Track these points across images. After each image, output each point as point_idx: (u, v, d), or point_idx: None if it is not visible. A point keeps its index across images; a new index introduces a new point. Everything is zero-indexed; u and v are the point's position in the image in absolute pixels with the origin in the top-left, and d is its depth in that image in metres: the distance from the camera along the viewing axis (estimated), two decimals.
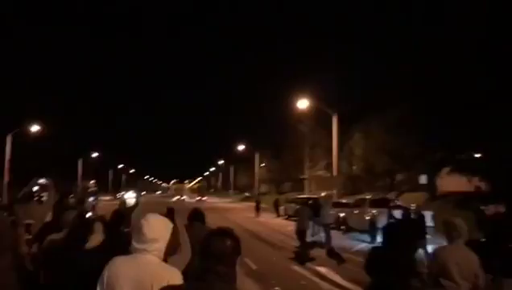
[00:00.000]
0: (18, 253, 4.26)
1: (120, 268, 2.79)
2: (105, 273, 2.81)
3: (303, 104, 36.49)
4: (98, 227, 4.63)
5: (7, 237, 3.40)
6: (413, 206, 16.15)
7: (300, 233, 14.88)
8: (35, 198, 12.16)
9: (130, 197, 58.67)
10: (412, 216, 13.23)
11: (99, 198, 65.99)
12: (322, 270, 11.88)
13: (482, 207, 13.54)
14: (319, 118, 44.74)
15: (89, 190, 59.52)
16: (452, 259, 4.44)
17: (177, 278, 2.77)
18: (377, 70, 34.65)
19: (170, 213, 5.20)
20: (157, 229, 2.86)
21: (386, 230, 4.83)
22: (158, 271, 2.75)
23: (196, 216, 5.83)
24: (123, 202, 12.02)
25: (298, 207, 19.90)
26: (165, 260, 2.88)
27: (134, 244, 2.82)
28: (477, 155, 25.98)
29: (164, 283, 2.63)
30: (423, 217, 13.66)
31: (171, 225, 2.96)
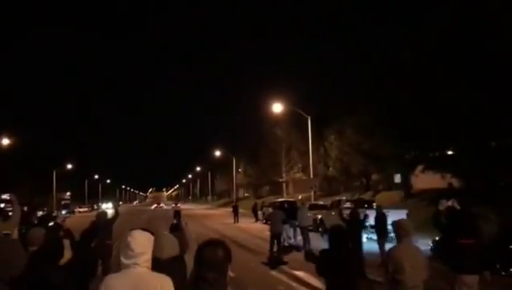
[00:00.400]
0: None
1: (118, 284, 3.06)
2: None
3: (277, 108, 36.76)
4: (65, 244, 4.56)
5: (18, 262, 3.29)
6: (375, 205, 16.51)
7: (274, 237, 14.99)
8: (2, 214, 11.82)
9: (108, 208, 57.86)
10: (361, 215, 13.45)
11: (75, 210, 64.95)
12: (300, 274, 11.91)
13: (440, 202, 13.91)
14: (294, 120, 45.05)
15: (62, 203, 58.26)
16: (405, 257, 4.92)
17: (168, 283, 3.14)
18: (350, 71, 35.06)
19: (177, 215, 6.30)
20: (142, 243, 3.16)
21: (331, 232, 5.21)
22: (151, 280, 3.09)
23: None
24: (104, 213, 11.78)
25: (270, 211, 20.05)
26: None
27: (124, 260, 3.08)
28: (450, 153, 26.49)
29: (159, 287, 3.05)
30: (384, 216, 14.02)
31: (152, 238, 3.28)
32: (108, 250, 10.34)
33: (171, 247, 4.15)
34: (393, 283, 4.97)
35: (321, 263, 5.13)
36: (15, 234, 5.43)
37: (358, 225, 12.16)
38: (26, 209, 16.16)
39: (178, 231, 4.95)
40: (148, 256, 3.16)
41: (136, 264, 3.08)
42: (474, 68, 20.06)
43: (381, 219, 14.03)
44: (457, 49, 20.64)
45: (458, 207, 7.58)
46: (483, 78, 19.76)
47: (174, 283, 3.26)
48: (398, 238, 5.18)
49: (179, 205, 75.12)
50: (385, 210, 19.38)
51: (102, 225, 10.54)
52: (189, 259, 3.83)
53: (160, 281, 3.13)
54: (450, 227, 6.39)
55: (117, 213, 11.42)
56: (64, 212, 41.72)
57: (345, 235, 5.29)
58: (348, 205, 21.63)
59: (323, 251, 5.30)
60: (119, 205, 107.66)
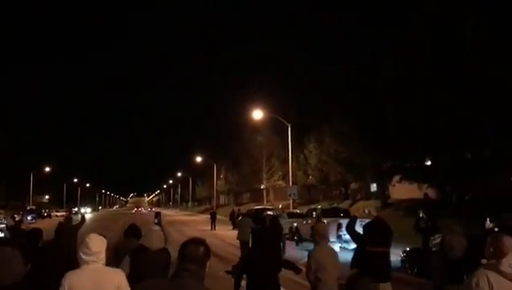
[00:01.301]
0: None
1: (79, 278, 3.68)
2: (66, 285, 3.63)
3: (258, 114, 36.70)
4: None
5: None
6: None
7: (243, 244, 14.84)
8: None
9: (87, 212, 56.90)
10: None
11: (52, 214, 63.71)
12: None
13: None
14: (275, 128, 45.09)
15: (28, 208, 56.97)
16: (325, 257, 5.69)
17: (121, 276, 3.87)
18: (329, 80, 35.17)
19: (157, 215, 6.29)
20: (98, 244, 3.81)
21: (253, 235, 6.44)
22: (108, 274, 3.80)
23: (132, 231, 6.38)
24: (69, 219, 11.45)
25: (240, 219, 20.07)
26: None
27: (83, 257, 3.72)
28: (427, 163, 26.69)
29: (115, 282, 3.74)
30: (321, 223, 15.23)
31: (105, 241, 3.96)
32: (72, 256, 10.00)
33: (159, 241, 5.16)
34: (316, 280, 5.64)
35: (244, 262, 5.98)
36: None
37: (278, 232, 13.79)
38: None
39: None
40: (103, 255, 3.80)
41: (94, 261, 3.72)
42: (450, 80, 20.28)
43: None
44: (434, 59, 20.85)
45: (374, 214, 7.53)
46: (459, 90, 19.98)
47: (165, 266, 4.81)
48: (316, 241, 5.92)
49: (154, 208, 77.96)
50: (359, 220, 19.58)
51: (66, 232, 10.23)
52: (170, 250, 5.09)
53: (116, 274, 3.86)
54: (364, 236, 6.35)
55: (82, 220, 11.15)
56: (29, 217, 40.78)
57: (263, 238, 6.40)
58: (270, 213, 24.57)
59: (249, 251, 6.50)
60: (98, 210, 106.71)
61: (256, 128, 50.64)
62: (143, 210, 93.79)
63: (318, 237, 5.92)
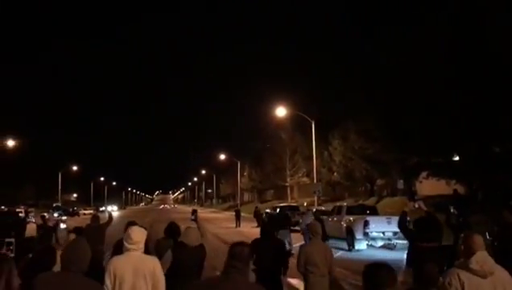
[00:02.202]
0: (9, 286, 3.97)
1: (122, 263, 4.47)
2: (111, 268, 4.41)
3: (281, 112, 36.55)
4: None
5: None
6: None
7: None
8: None
9: (113, 210, 58.01)
10: None
11: (80, 212, 64.90)
12: (293, 281, 11.63)
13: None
14: (298, 125, 44.85)
15: (54, 205, 58.28)
16: (315, 252, 6.20)
17: (157, 263, 4.64)
18: (353, 76, 34.70)
19: (194, 213, 7.59)
20: (138, 235, 4.62)
21: (263, 226, 7.07)
22: (146, 260, 4.56)
23: (172, 229, 6.98)
24: (96, 217, 11.55)
25: (264, 217, 19.99)
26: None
27: (126, 245, 4.52)
28: (456, 158, 26.14)
29: (151, 267, 4.49)
30: (321, 221, 15.41)
31: (145, 232, 4.81)
32: (97, 255, 10.06)
33: (197, 238, 5.81)
34: (306, 272, 6.20)
35: (252, 249, 6.15)
36: None
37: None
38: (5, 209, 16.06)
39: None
40: (142, 244, 4.59)
41: (134, 249, 4.50)
42: (476, 72, 19.75)
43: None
44: (458, 53, 20.34)
45: (425, 209, 7.28)
46: (485, 83, 19.44)
47: (202, 260, 5.66)
48: (311, 237, 6.60)
49: (176, 205, 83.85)
50: (386, 217, 19.25)
51: (93, 230, 10.32)
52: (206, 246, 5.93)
53: (152, 261, 4.62)
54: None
55: (110, 219, 11.21)
56: (56, 215, 41.67)
57: (270, 231, 7.34)
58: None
59: (254, 240, 6.85)
60: (125, 208, 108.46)
61: (279, 125, 50.48)
62: (168, 207, 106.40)
63: (312, 233, 6.54)
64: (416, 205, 7.38)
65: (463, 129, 20.90)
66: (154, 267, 4.56)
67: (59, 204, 61.93)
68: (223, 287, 3.26)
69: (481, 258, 3.63)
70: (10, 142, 45.65)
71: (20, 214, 25.26)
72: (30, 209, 34.97)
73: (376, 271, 3.06)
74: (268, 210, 28.22)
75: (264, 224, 8.97)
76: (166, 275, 4.84)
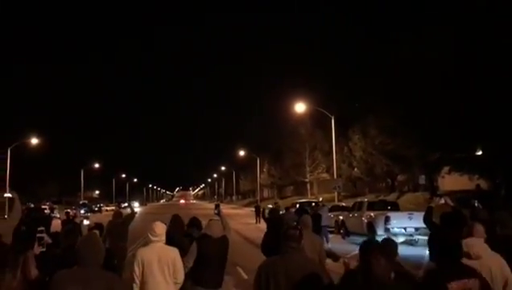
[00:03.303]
0: (27, 276, 4.14)
1: (148, 252, 5.30)
2: (139, 258, 5.25)
3: (300, 107, 36.39)
4: None
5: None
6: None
7: None
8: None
9: (135, 207, 59.06)
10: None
11: (103, 208, 65.91)
12: None
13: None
14: (318, 120, 44.63)
15: (81, 202, 59.63)
16: (305, 244, 5.84)
17: (176, 252, 5.43)
18: (373, 71, 34.35)
19: (217, 207, 7.29)
20: (161, 228, 5.48)
21: (269, 220, 7.75)
22: (167, 250, 5.39)
23: (193, 223, 7.42)
24: (119, 213, 11.68)
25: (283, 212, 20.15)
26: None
27: (151, 237, 5.34)
28: (478, 153, 25.73)
29: (172, 256, 5.31)
30: (319, 215, 16.29)
31: (165, 227, 5.66)
32: (120, 252, 10.13)
33: (219, 229, 6.23)
34: None
35: (264, 245, 7.36)
36: (11, 228, 5.39)
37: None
38: (32, 206, 16.38)
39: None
40: (164, 237, 5.42)
41: (157, 241, 5.34)
42: (498, 66, 19.37)
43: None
44: (480, 46, 19.97)
45: (452, 204, 7.17)
46: (508, 76, 19.06)
47: (225, 251, 6.18)
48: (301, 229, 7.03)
49: (193, 201, 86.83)
50: (408, 213, 19.09)
51: (116, 226, 10.40)
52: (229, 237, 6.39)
53: (173, 252, 5.41)
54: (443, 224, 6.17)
55: (132, 214, 11.34)
56: (82, 211, 42.49)
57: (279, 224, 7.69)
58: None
59: (265, 234, 7.77)
60: (146, 204, 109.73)
61: (299, 121, 50.35)
62: (184, 201, 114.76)
63: (302, 226, 6.49)
64: (442, 201, 7.27)
65: (486, 124, 20.54)
66: (174, 256, 5.36)
67: (86, 201, 63.24)
68: (286, 264, 3.80)
69: (471, 242, 4.19)
70: (34, 141, 46.51)
71: (45, 211, 25.81)
72: (54, 206, 35.73)
73: (366, 245, 3.40)
74: (270, 205, 28.10)
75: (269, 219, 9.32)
76: (193, 265, 5.75)
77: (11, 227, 5.64)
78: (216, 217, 6.75)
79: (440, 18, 23.61)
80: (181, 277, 5.42)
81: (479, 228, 4.47)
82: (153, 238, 5.34)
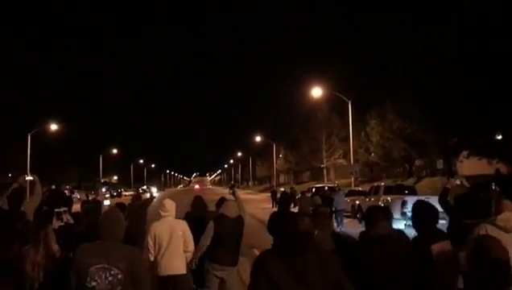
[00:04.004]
0: (49, 251, 4.27)
1: (160, 226, 5.92)
2: (152, 231, 5.90)
3: (317, 92, 36.06)
4: None
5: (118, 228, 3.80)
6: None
7: None
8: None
9: (153, 192, 60.02)
10: None
11: (122, 193, 66.89)
12: None
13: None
14: (334, 105, 44.37)
15: (102, 180, 60.97)
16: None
17: (185, 225, 6.05)
18: (390, 54, 33.88)
19: (232, 187, 7.77)
20: (171, 204, 6.12)
21: (280, 199, 9.89)
22: (178, 224, 6.03)
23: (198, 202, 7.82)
24: (138, 196, 11.88)
25: (299, 196, 20.45)
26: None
27: (162, 213, 5.99)
28: (498, 137, 25.36)
29: (182, 229, 5.94)
30: (331, 199, 17.59)
31: (175, 203, 6.20)
32: (139, 233, 10.28)
33: (235, 210, 6.45)
34: None
35: (271, 223, 6.80)
36: (31, 213, 5.53)
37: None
38: (53, 187, 16.67)
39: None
40: (174, 212, 6.07)
41: (167, 216, 5.99)
42: None
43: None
44: (499, 29, 19.53)
45: (468, 185, 7.15)
46: None
47: (241, 230, 6.41)
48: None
49: (209, 186, 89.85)
50: (425, 197, 19.01)
51: (135, 209, 10.59)
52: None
53: (182, 224, 6.06)
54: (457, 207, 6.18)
55: (151, 197, 11.53)
56: (103, 189, 43.22)
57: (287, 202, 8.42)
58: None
59: (273, 213, 6.87)
60: (164, 190, 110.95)
61: (315, 106, 50.06)
62: (198, 187, 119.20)
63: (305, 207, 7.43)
64: (458, 182, 7.25)
65: (506, 108, 20.20)
66: (184, 228, 6.00)
67: (107, 180, 64.60)
68: (319, 239, 3.88)
69: (506, 216, 4.40)
70: (54, 127, 47.15)
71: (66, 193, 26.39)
72: (74, 190, 36.40)
73: (370, 210, 3.96)
74: (282, 189, 28.40)
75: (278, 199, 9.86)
76: (210, 244, 6.09)
77: (33, 208, 5.79)
78: (232, 198, 6.97)
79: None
80: (192, 246, 5.99)
81: (507, 203, 4.73)
82: (164, 214, 5.97)
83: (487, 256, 2.79)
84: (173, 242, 5.83)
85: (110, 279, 3.50)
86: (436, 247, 4.15)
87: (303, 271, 3.12)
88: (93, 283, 3.49)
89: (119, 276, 3.51)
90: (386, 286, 3.58)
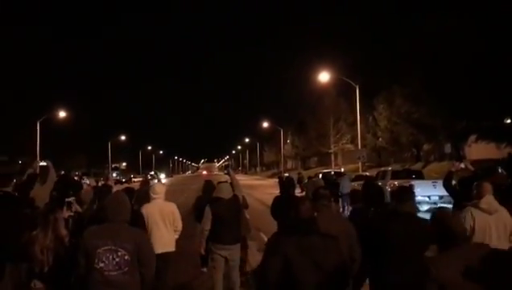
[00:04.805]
0: (58, 235, 4.37)
1: (151, 208, 6.28)
2: (144, 212, 6.14)
3: (325, 77, 35.82)
4: None
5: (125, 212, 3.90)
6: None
7: None
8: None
9: (161, 178, 60.66)
10: None
11: (133, 179, 67.34)
12: None
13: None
14: (342, 90, 44.12)
15: (113, 165, 62.01)
16: None
17: (175, 207, 6.54)
18: (398, 38, 33.49)
19: (227, 168, 8.80)
20: (161, 187, 6.74)
21: (284, 183, 8.13)
22: (168, 205, 6.48)
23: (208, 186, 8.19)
24: (146, 182, 12.00)
25: (306, 181, 20.48)
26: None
27: (152, 195, 6.41)
28: (507, 121, 25.16)
29: (171, 209, 6.41)
30: (337, 184, 17.84)
31: (165, 186, 7.00)
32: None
33: (229, 191, 6.63)
34: None
35: (274, 207, 7.38)
36: (46, 199, 5.61)
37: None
38: (63, 173, 16.81)
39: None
40: (163, 195, 6.50)
41: (158, 198, 6.38)
42: None
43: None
44: (508, 12, 19.25)
45: (472, 169, 7.15)
46: None
47: (238, 209, 6.62)
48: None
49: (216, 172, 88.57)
50: (432, 181, 18.98)
51: (143, 194, 10.72)
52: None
53: (171, 206, 6.52)
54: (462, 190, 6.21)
55: (159, 182, 11.66)
56: (114, 174, 43.70)
57: (291, 186, 8.12)
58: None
59: (275, 197, 7.64)
60: (172, 176, 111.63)
61: (323, 91, 49.79)
62: (206, 173, 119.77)
63: (306, 187, 7.87)
64: (463, 165, 7.24)
65: None
66: (173, 209, 6.46)
67: (118, 165, 65.44)
68: (320, 220, 3.85)
69: (488, 200, 4.70)
70: (62, 114, 47.40)
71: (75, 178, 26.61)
72: (83, 176, 36.68)
73: (401, 190, 4.54)
74: (287, 174, 28.59)
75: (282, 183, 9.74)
76: (210, 227, 6.33)
77: (47, 194, 5.88)
78: (224, 179, 7.33)
79: None
80: (180, 225, 6.48)
81: (486, 186, 4.86)
82: (154, 196, 6.40)
83: (441, 225, 3.09)
84: (163, 222, 6.26)
85: (117, 260, 3.60)
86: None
87: (311, 251, 3.35)
88: (101, 265, 3.59)
89: (126, 257, 3.61)
90: (405, 256, 3.97)
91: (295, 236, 3.42)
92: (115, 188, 7.19)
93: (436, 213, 3.29)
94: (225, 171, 7.77)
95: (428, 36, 26.56)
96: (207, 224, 6.38)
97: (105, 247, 3.60)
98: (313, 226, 3.49)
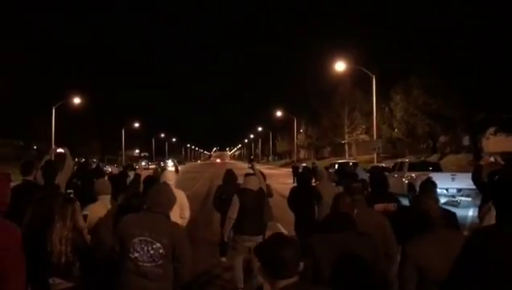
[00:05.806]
0: (77, 227, 4.25)
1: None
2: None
3: (340, 66, 35.36)
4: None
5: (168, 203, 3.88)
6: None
7: None
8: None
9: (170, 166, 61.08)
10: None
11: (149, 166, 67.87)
12: None
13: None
14: (358, 80, 43.58)
15: (142, 154, 64.55)
16: (323, 189, 7.20)
17: (183, 194, 6.47)
18: (417, 29, 32.87)
19: (251, 162, 8.61)
20: (171, 175, 8.08)
21: (299, 176, 8.02)
22: (176, 192, 4.99)
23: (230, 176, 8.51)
24: (159, 169, 11.92)
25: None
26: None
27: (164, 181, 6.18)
28: None
29: (179, 197, 5.58)
30: (356, 174, 16.58)
31: (175, 174, 8.39)
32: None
33: (256, 183, 6.70)
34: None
35: (291, 198, 7.39)
36: (63, 186, 5.52)
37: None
38: (83, 160, 16.85)
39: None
40: (174, 181, 6.67)
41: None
42: None
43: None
44: None
45: (502, 162, 6.87)
46: None
47: (263, 202, 6.67)
48: (318, 179, 7.97)
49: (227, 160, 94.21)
50: (451, 174, 18.67)
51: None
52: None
53: (181, 193, 6.42)
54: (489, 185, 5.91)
55: (176, 170, 11.53)
56: (143, 163, 44.17)
57: (308, 177, 7.83)
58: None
59: (292, 188, 7.64)
60: (185, 163, 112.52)
61: (338, 81, 49.24)
62: (219, 161, 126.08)
63: (318, 176, 8.01)
64: (492, 159, 6.97)
65: None
66: (182, 197, 6.38)
67: (147, 154, 67.49)
68: (357, 216, 3.77)
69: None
70: (77, 100, 47.64)
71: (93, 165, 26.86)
72: (100, 164, 36.97)
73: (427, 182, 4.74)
74: (304, 164, 28.33)
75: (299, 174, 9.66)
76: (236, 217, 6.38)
77: (64, 181, 5.79)
78: (252, 171, 7.35)
79: None
80: (187, 213, 6.48)
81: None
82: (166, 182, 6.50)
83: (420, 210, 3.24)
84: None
85: (152, 252, 3.57)
86: (381, 206, 5.01)
87: (341, 248, 3.24)
88: (136, 254, 3.57)
89: (161, 251, 3.58)
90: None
91: (327, 232, 3.32)
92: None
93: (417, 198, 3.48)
94: (249, 166, 7.80)
95: (447, 26, 26.02)
96: (234, 213, 6.44)
97: (141, 237, 3.58)
98: (351, 223, 3.37)
